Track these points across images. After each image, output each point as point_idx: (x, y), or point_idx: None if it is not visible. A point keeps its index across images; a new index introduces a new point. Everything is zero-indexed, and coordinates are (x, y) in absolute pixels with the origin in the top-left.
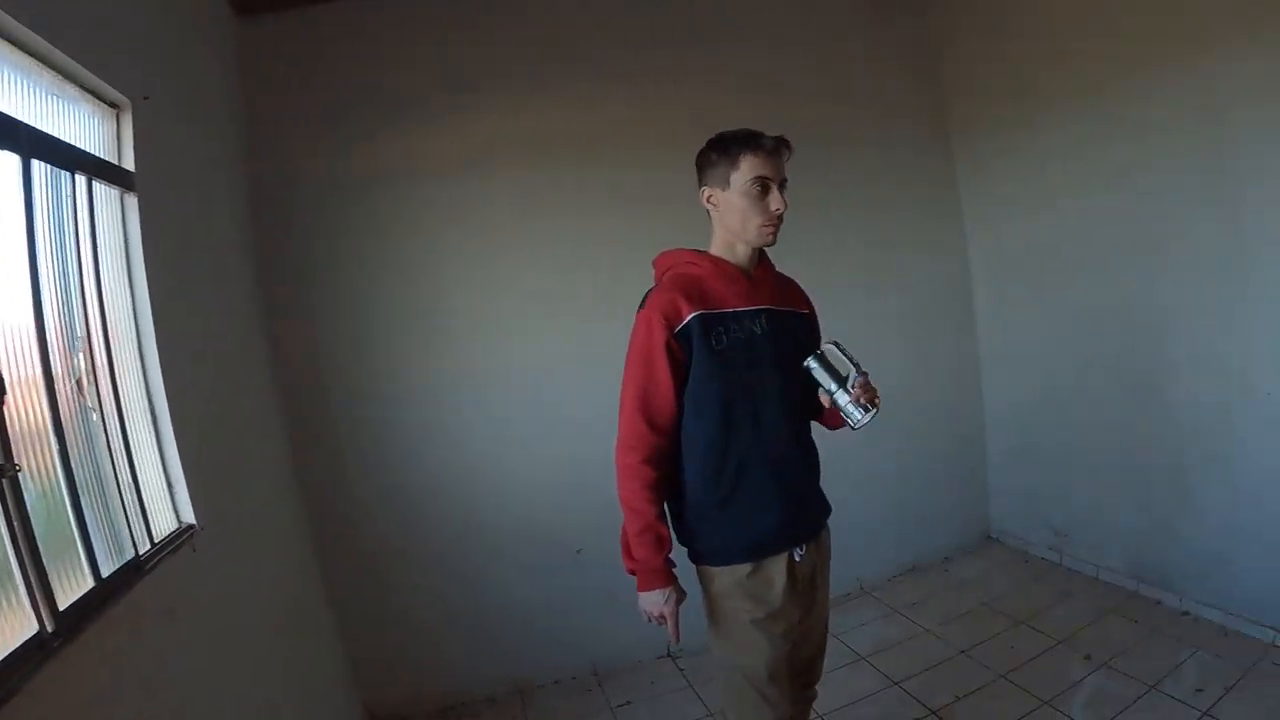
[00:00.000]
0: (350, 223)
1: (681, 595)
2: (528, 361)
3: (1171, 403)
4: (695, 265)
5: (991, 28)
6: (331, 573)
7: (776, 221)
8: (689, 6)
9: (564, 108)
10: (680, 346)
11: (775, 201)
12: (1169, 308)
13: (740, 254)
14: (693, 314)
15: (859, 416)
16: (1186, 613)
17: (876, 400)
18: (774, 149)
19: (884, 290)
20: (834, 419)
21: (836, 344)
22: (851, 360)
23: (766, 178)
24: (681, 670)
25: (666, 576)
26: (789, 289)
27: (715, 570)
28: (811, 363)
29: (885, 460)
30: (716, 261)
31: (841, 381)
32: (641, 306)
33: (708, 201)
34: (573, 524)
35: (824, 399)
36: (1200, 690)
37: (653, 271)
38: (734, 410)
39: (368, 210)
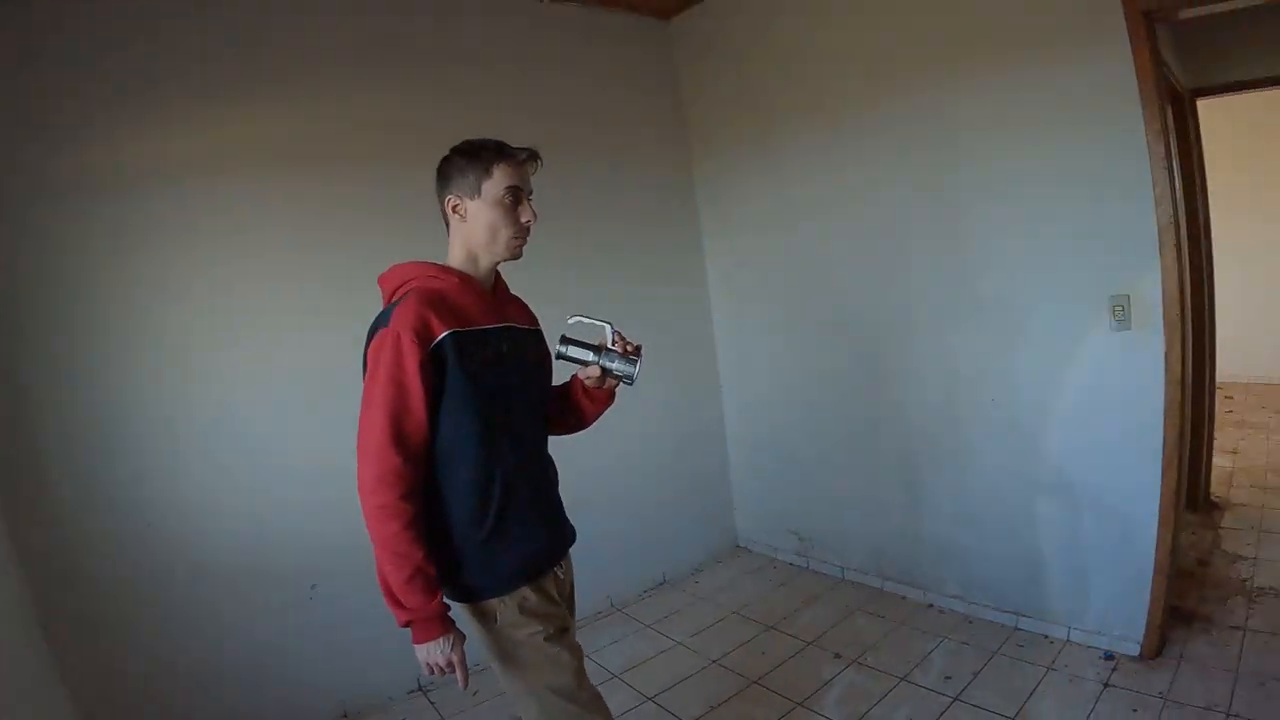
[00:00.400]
0: (44, 234)
1: (462, 636)
2: (249, 392)
3: (904, 409)
4: (439, 279)
5: (728, 53)
6: (50, 622)
7: (526, 234)
8: (425, 25)
9: (288, 115)
10: (433, 367)
11: (526, 213)
12: (901, 321)
13: (483, 268)
14: (446, 332)
15: (633, 369)
16: (931, 605)
17: (639, 347)
18: (526, 160)
19: (629, 305)
20: (592, 405)
21: (577, 316)
22: (597, 320)
23: (519, 188)
24: (434, 704)
25: (446, 621)
26: (523, 306)
27: (495, 603)
28: (563, 348)
29: (633, 477)
30: (462, 276)
31: (598, 349)
32: (384, 324)
33: (453, 211)
34: (306, 558)
35: (588, 375)
36: (949, 678)
37: (380, 289)
38: (494, 433)
39: (66, 221)
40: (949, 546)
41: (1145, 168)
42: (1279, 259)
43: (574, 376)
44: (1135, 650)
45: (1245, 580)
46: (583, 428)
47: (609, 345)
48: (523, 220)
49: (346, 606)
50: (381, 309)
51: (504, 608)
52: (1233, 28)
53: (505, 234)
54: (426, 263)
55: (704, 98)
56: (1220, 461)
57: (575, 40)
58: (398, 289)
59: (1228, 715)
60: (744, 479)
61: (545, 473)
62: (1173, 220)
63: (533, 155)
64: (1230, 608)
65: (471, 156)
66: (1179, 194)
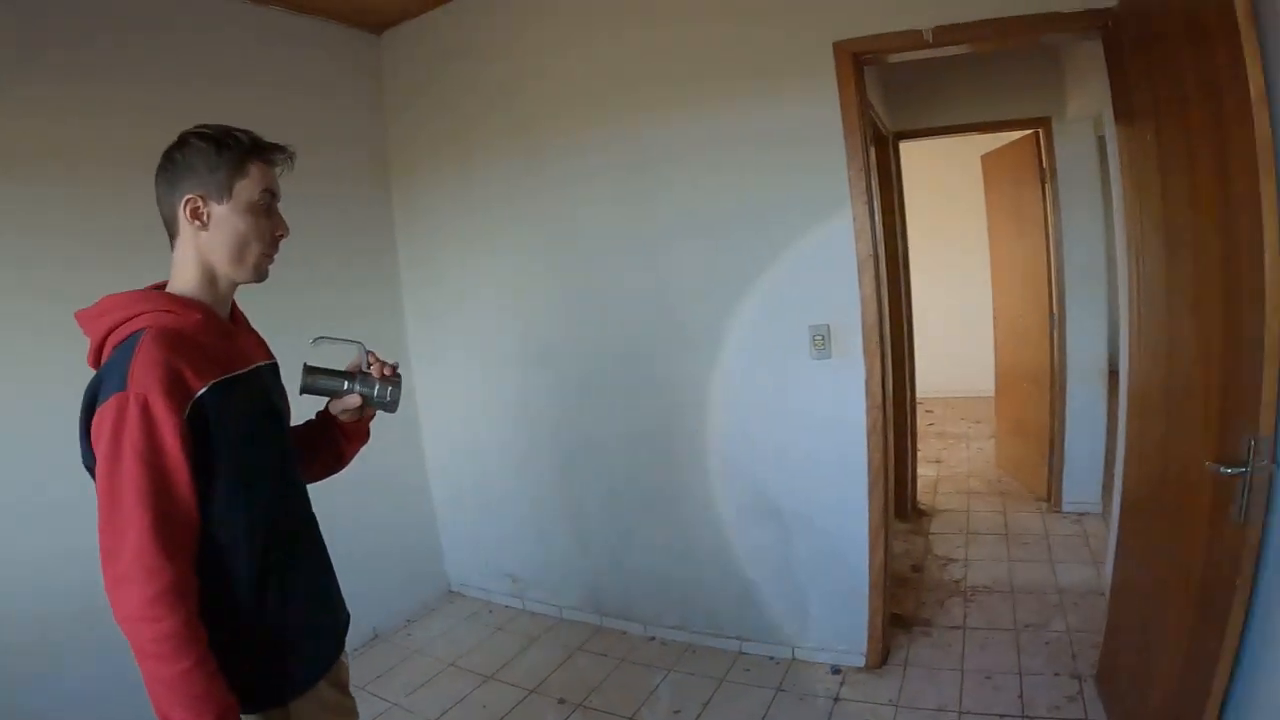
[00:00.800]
0: None
1: None
2: None
3: (609, 442)
4: (176, 314)
5: (436, 72)
6: None
7: (276, 250)
8: (97, 23)
9: None
10: (194, 433)
11: (282, 224)
12: (605, 353)
13: (222, 292)
14: (204, 386)
15: (397, 393)
16: (653, 638)
17: (395, 366)
18: (284, 159)
19: (310, 337)
20: (350, 443)
21: (322, 336)
22: (345, 340)
23: (274, 193)
24: None
25: None
26: (259, 337)
27: (295, 707)
28: (310, 379)
29: (329, 526)
30: (203, 308)
31: (350, 375)
32: (116, 385)
33: (190, 215)
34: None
35: (345, 407)
36: (678, 711)
37: (85, 332)
38: (273, 506)
39: None
40: (664, 578)
41: (847, 203)
42: (968, 284)
43: (324, 411)
44: (861, 661)
45: (959, 581)
46: (337, 470)
47: (363, 369)
48: (277, 233)
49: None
50: (95, 361)
51: (304, 710)
52: (932, 79)
53: (256, 249)
54: (151, 292)
55: (409, 117)
56: (925, 471)
57: (277, 47)
58: (115, 330)
59: (959, 714)
60: (452, 520)
61: (321, 540)
62: (872, 253)
63: (290, 155)
64: (948, 609)
65: (222, 146)
66: (879, 228)
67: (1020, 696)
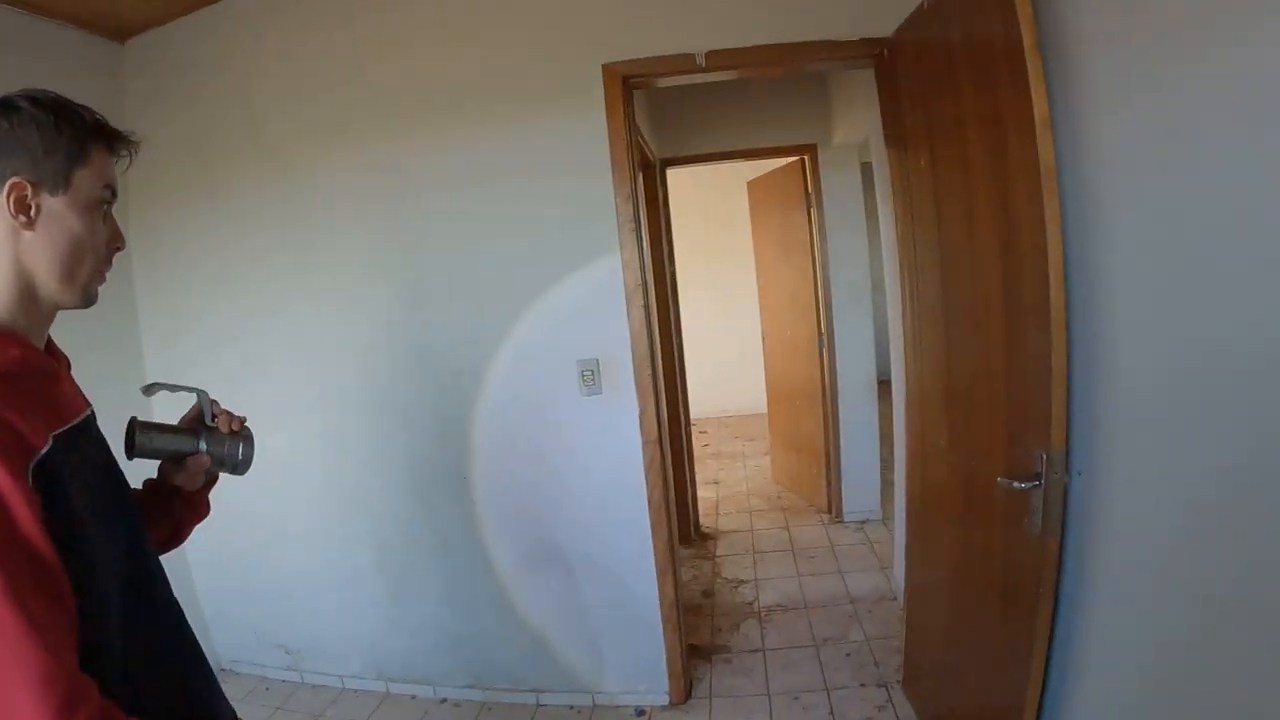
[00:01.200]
0: None
1: None
2: None
3: (373, 494)
4: None
5: (184, 88)
6: None
7: (110, 266)
8: None
9: None
10: (41, 500)
11: (119, 234)
12: (357, 400)
13: (43, 315)
14: (48, 439)
15: (249, 452)
16: (444, 699)
17: (244, 420)
18: (129, 152)
19: None
20: (192, 512)
21: (157, 383)
22: (184, 388)
23: (115, 191)
24: None
25: None
26: (72, 378)
27: None
28: (144, 438)
29: None
30: (20, 339)
31: (194, 431)
32: None
33: (15, 208)
34: None
35: (192, 470)
36: None
37: None
38: (130, 592)
39: None
40: (448, 633)
41: (614, 232)
42: (737, 306)
43: (158, 479)
44: (665, 699)
45: (752, 602)
46: (174, 547)
47: (206, 422)
48: (115, 245)
49: None
50: None
51: None
52: (700, 105)
53: (90, 262)
54: None
55: (152, 135)
56: (705, 493)
57: (5, 50)
58: None
59: None
60: (214, 591)
61: (190, 627)
62: (640, 283)
63: (136, 146)
64: (745, 632)
65: (62, 120)
66: (647, 257)
67: (831, 713)
